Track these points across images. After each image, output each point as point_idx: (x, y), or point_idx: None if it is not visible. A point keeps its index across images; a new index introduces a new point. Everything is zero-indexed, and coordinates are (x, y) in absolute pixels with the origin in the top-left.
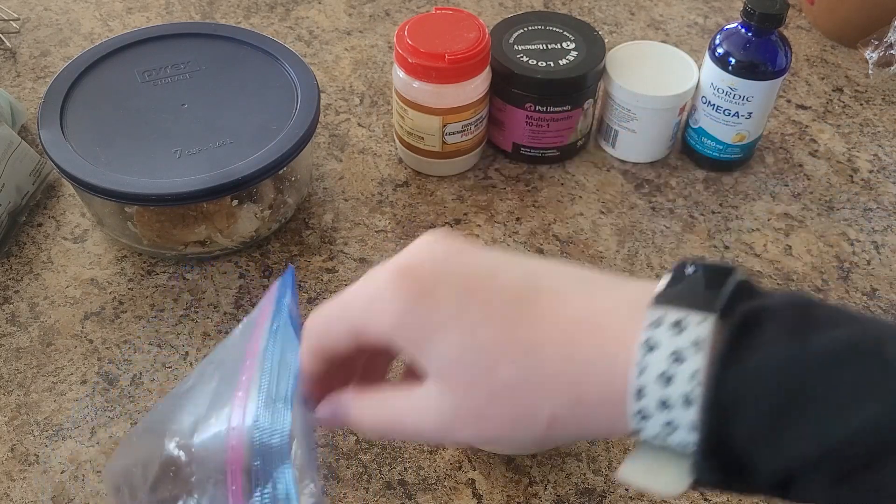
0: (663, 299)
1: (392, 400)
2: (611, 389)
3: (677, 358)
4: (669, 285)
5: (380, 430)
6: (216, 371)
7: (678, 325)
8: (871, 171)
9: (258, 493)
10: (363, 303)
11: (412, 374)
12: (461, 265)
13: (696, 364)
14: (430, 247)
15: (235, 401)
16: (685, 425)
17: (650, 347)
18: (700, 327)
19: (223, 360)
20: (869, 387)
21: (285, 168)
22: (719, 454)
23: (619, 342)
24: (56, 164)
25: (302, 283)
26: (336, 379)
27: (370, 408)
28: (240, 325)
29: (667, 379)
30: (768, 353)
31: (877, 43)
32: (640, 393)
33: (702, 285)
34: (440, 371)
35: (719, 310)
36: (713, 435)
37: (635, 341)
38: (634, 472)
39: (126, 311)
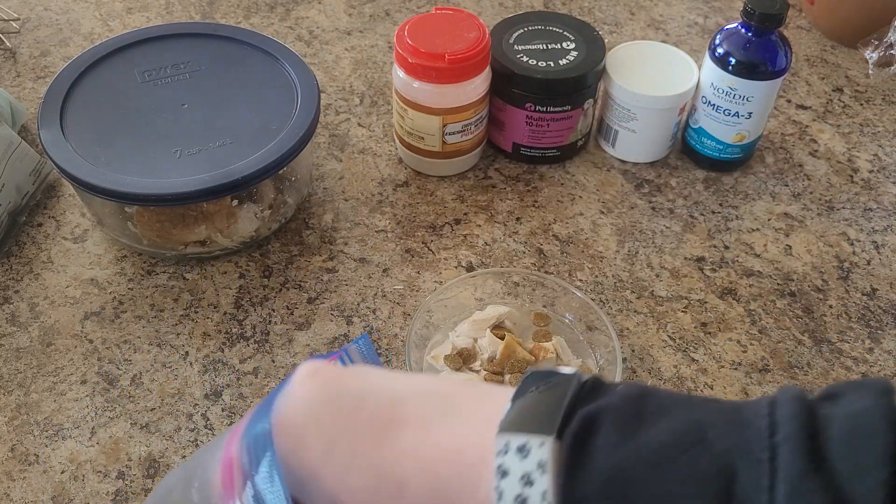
0: (507, 426)
1: None
2: None
3: (527, 481)
4: (515, 407)
5: None
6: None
7: (522, 450)
8: (871, 171)
9: (249, 485)
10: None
11: None
12: (328, 404)
13: (544, 485)
14: (297, 392)
15: (235, 430)
16: None
17: (503, 473)
18: (541, 450)
19: None
20: (695, 480)
21: (285, 168)
22: None
23: (478, 470)
24: (56, 164)
25: (302, 283)
26: None
27: None
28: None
29: (522, 501)
30: (602, 459)
31: (877, 43)
32: None
33: (543, 402)
34: None
35: (556, 429)
36: None
37: (489, 465)
38: None
39: (126, 311)
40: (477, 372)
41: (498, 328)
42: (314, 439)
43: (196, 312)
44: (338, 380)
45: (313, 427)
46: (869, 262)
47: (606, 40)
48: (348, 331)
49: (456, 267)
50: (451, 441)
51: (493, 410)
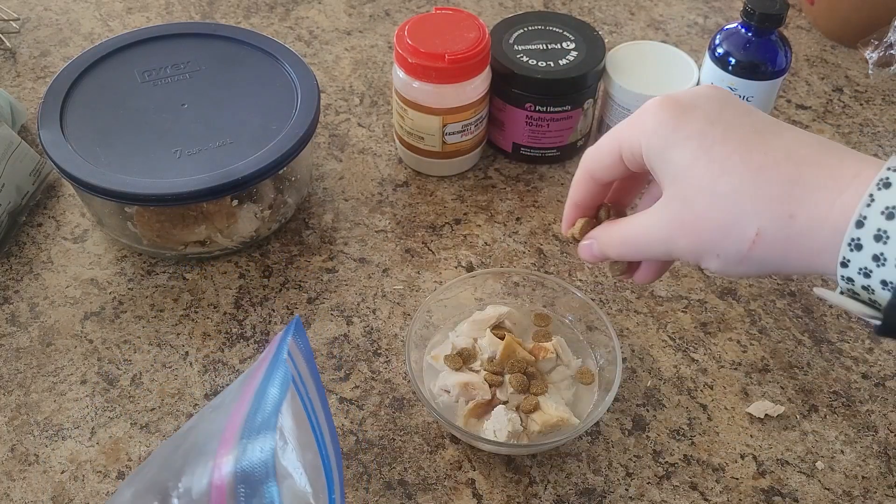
0: None
1: (628, 222)
2: (827, 215)
3: None
4: None
5: (621, 250)
6: (214, 412)
7: None
8: None
9: None
10: (631, 119)
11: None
12: (721, 102)
13: None
14: (702, 88)
15: (223, 441)
16: (893, 260)
17: (885, 185)
18: None
19: (222, 402)
20: None
21: (285, 168)
22: None
23: (848, 178)
24: (56, 164)
25: (302, 283)
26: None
27: (612, 233)
28: (243, 373)
29: (891, 213)
30: None
31: (877, 43)
32: (860, 222)
33: None
34: (674, 176)
35: None
36: None
37: (866, 178)
38: (832, 295)
39: (126, 311)
40: (477, 372)
41: (498, 328)
42: (697, 115)
43: (196, 312)
44: (736, 98)
45: (699, 109)
46: None
47: (606, 40)
48: (348, 331)
49: (456, 267)
50: (825, 155)
51: (873, 158)
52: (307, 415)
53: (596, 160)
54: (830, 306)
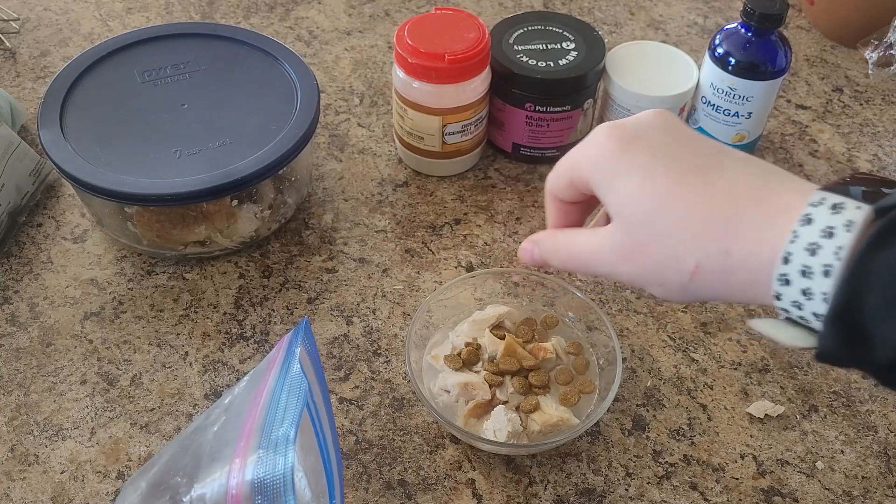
0: (829, 189)
1: (576, 239)
2: (758, 250)
3: (828, 233)
4: (835, 187)
5: (565, 264)
6: (223, 414)
7: (837, 208)
8: (871, 171)
9: None
10: (581, 147)
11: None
12: (665, 131)
13: (843, 241)
14: (648, 116)
15: (238, 449)
16: (819, 295)
17: (807, 220)
18: (856, 212)
19: (231, 404)
20: None
21: (285, 168)
22: (844, 323)
23: (778, 213)
24: (56, 164)
25: (302, 283)
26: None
27: (557, 244)
28: (249, 373)
29: (813, 250)
30: None
31: (877, 43)
32: (786, 258)
33: (865, 195)
34: (618, 208)
35: (878, 206)
36: (842, 305)
37: (794, 213)
38: (763, 326)
39: (126, 311)
40: (477, 372)
41: (498, 328)
42: (640, 147)
43: (196, 312)
44: (680, 125)
45: (643, 140)
46: None
47: (606, 40)
48: (348, 331)
49: (456, 267)
50: (760, 189)
51: (808, 184)
52: (311, 419)
53: (554, 183)
54: None
